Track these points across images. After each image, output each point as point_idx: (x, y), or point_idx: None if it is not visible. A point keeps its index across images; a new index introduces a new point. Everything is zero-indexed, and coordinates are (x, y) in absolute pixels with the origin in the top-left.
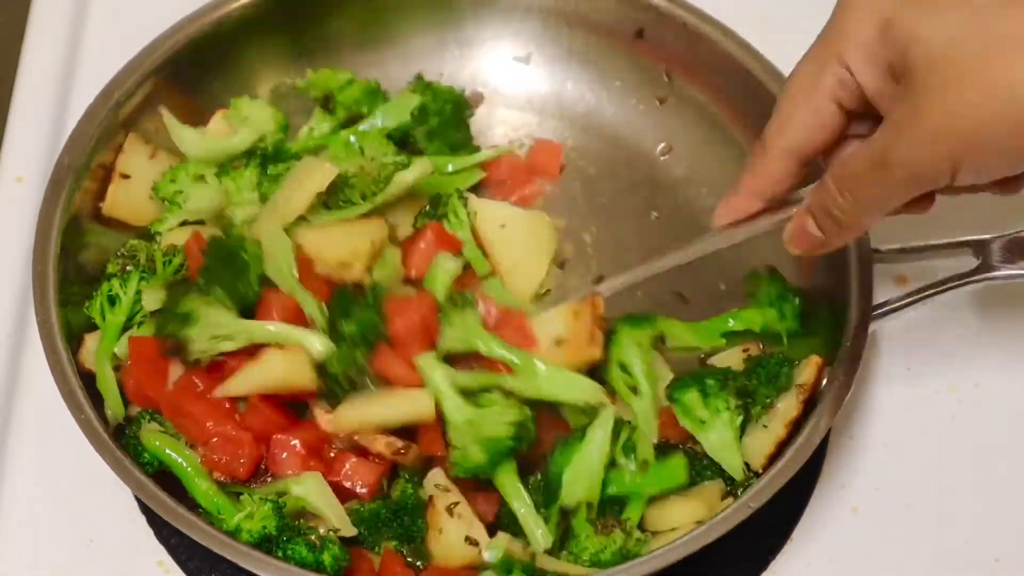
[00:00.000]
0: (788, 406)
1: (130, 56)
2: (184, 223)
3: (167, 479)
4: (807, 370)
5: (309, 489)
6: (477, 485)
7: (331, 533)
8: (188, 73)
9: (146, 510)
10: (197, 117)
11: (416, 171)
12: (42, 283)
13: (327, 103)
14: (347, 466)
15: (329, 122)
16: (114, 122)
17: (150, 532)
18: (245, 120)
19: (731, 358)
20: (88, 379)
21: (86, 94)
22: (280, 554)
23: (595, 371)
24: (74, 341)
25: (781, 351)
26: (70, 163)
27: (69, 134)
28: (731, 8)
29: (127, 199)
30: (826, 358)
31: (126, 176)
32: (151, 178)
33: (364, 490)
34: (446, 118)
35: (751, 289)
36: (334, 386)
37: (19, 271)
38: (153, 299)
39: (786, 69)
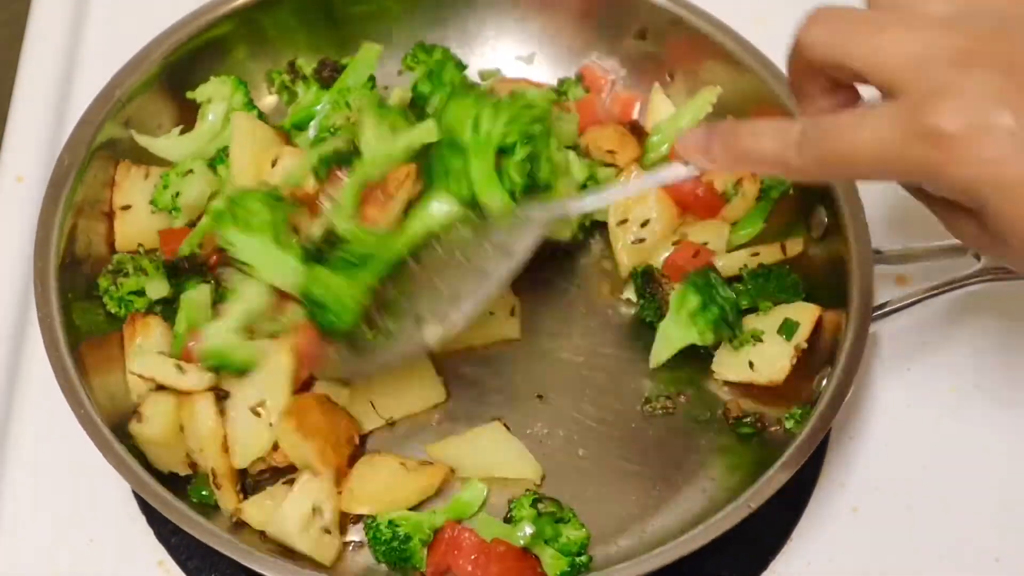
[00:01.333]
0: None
1: (130, 56)
2: (192, 223)
3: (166, 479)
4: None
5: None
6: None
7: None
8: (188, 70)
9: (146, 510)
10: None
11: (422, 134)
12: (43, 279)
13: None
14: None
15: (315, 92)
16: (115, 121)
17: (150, 532)
18: (210, 101)
19: (740, 260)
20: (89, 369)
21: (86, 94)
22: None
23: None
24: (74, 336)
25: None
26: (70, 163)
27: (69, 134)
28: (732, 7)
29: (136, 228)
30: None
31: (127, 207)
32: (150, 197)
33: None
34: (441, 77)
35: None
36: None
37: (19, 271)
38: (156, 288)
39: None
